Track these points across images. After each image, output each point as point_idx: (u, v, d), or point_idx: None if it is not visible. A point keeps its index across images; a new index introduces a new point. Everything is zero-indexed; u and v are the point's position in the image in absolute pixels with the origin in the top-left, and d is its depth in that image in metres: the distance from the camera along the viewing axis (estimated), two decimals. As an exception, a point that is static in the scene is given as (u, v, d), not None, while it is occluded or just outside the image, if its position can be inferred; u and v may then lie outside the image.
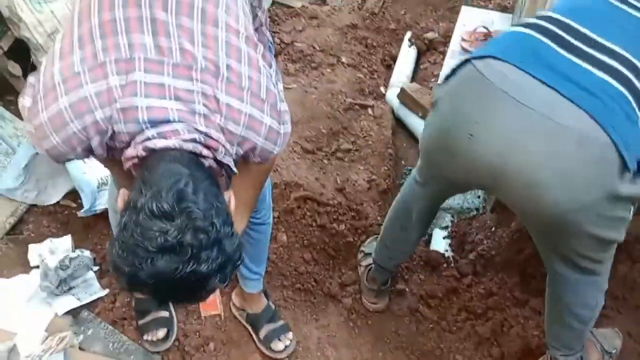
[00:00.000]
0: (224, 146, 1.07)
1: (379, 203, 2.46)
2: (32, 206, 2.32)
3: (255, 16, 1.38)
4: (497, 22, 3.37)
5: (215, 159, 1.06)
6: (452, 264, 2.26)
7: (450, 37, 3.63)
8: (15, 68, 2.50)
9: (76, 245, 2.17)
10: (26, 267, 2.10)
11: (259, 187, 1.47)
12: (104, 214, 2.18)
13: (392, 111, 3.10)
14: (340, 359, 2.00)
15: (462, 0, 4.06)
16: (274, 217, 2.25)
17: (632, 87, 1.22)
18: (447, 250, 2.40)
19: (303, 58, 3.30)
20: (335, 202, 2.35)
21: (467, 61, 1.33)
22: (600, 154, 1.17)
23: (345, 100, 2.96)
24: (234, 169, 1.11)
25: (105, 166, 1.33)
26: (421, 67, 3.54)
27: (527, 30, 1.31)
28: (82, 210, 2.18)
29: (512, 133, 1.20)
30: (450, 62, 3.10)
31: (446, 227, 2.48)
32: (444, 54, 3.53)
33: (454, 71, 1.38)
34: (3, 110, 2.55)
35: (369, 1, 4.04)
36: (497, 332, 2.03)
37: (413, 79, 3.41)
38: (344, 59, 3.33)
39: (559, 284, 1.55)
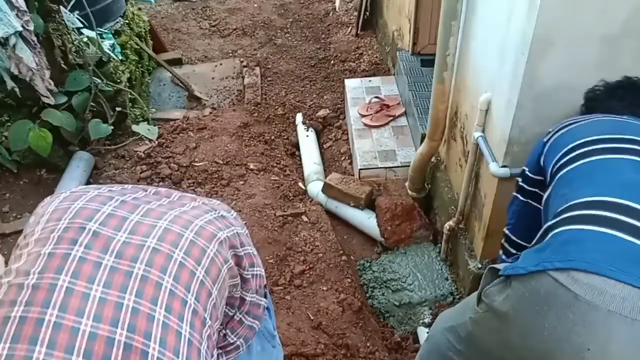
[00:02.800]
0: None
1: (360, 324, 2.19)
2: None
3: (243, 301, 1.01)
4: (383, 87, 3.28)
5: None
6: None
7: (340, 109, 3.50)
8: None
9: None
10: None
11: None
12: None
13: (320, 204, 2.86)
14: None
15: (334, 68, 3.97)
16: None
17: None
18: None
19: (209, 177, 2.93)
20: (321, 346, 2.03)
21: (540, 271, 1.06)
22: None
23: (275, 215, 2.66)
24: None
25: None
26: (325, 146, 3.34)
27: (591, 227, 1.08)
28: None
29: (633, 355, 0.99)
30: (359, 142, 2.93)
31: (429, 324, 2.28)
32: (341, 128, 3.37)
33: (512, 275, 1.12)
34: None
35: (247, 91, 3.78)
36: None
37: (322, 161, 3.21)
38: (251, 165, 3.02)
39: None
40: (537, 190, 1.44)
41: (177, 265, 0.79)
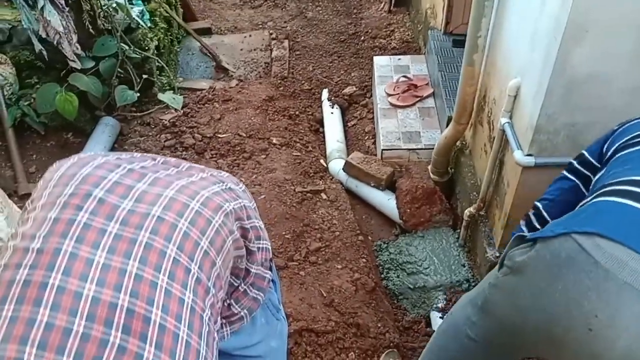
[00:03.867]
0: None
1: (372, 304, 2.21)
2: None
3: (248, 272, 1.03)
4: (412, 66, 3.22)
5: None
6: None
7: (367, 87, 3.46)
8: None
9: None
10: None
11: None
12: None
13: (340, 182, 2.86)
14: None
15: (363, 44, 3.91)
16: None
17: None
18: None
19: (232, 150, 2.95)
20: (332, 323, 2.06)
21: (564, 234, 1.06)
22: None
23: (295, 191, 2.67)
24: None
25: None
26: (349, 125, 3.32)
27: (626, 201, 1.07)
28: None
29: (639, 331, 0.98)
30: (384, 122, 2.90)
31: (442, 309, 2.28)
32: (366, 106, 3.34)
33: (536, 239, 1.12)
34: None
35: (274, 64, 3.77)
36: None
37: (346, 139, 3.20)
38: (274, 140, 3.03)
39: None
40: (589, 174, 1.39)
41: (182, 235, 0.80)
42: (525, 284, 1.13)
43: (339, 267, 2.33)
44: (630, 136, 1.27)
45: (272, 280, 1.11)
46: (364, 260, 2.38)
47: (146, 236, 0.77)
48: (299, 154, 2.98)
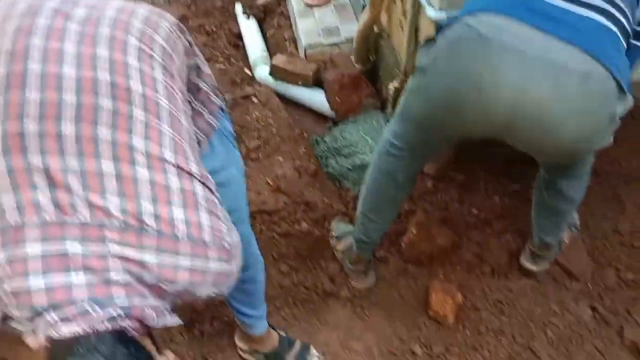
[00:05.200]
0: (154, 310, 0.82)
1: (317, 185, 2.36)
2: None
3: (198, 89, 1.13)
4: (321, -33, 3.28)
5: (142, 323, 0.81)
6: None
7: (280, -4, 3.49)
8: None
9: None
10: None
11: None
12: None
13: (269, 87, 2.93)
14: (369, 346, 1.94)
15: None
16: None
17: (614, 19, 1.25)
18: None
19: (154, 70, 2.94)
20: (282, 204, 2.20)
21: (456, 19, 1.28)
22: (602, 86, 1.21)
23: (225, 99, 2.72)
24: (174, 320, 0.86)
25: None
26: (268, 34, 3.36)
27: None
28: None
29: (520, 82, 1.19)
30: (302, 22, 2.98)
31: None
32: (283, 14, 3.39)
33: (439, 32, 1.34)
34: None
35: (182, -14, 3.69)
36: (479, 252, 2.12)
37: (267, 49, 3.25)
38: (195, 56, 3.04)
39: (557, 195, 1.66)
40: None
41: (141, 33, 0.89)
42: (431, 73, 1.34)
43: (281, 159, 2.46)
44: None
45: (221, 109, 1.21)
46: (303, 149, 2.51)
47: (107, 29, 0.85)
48: (222, 66, 3.02)
